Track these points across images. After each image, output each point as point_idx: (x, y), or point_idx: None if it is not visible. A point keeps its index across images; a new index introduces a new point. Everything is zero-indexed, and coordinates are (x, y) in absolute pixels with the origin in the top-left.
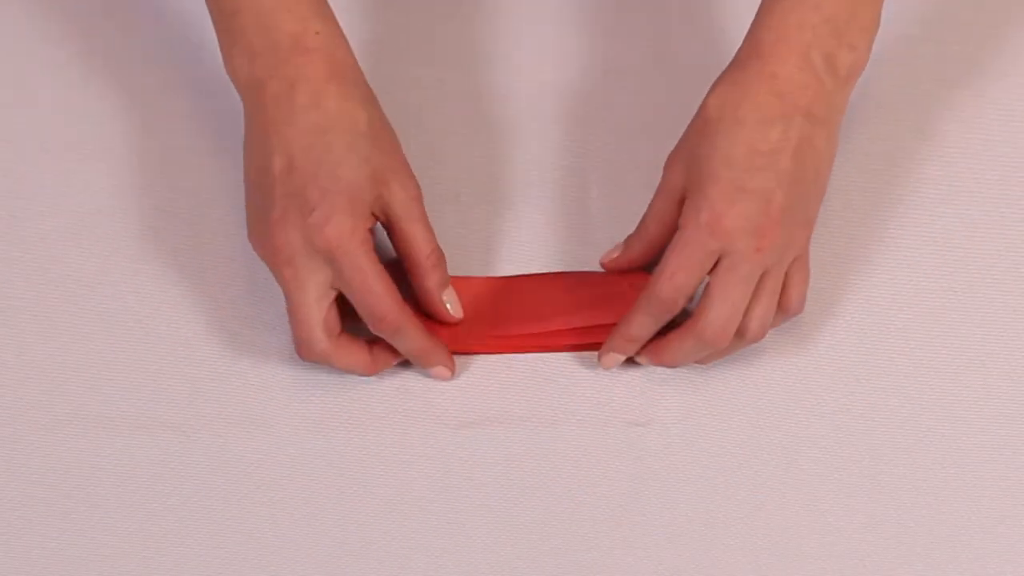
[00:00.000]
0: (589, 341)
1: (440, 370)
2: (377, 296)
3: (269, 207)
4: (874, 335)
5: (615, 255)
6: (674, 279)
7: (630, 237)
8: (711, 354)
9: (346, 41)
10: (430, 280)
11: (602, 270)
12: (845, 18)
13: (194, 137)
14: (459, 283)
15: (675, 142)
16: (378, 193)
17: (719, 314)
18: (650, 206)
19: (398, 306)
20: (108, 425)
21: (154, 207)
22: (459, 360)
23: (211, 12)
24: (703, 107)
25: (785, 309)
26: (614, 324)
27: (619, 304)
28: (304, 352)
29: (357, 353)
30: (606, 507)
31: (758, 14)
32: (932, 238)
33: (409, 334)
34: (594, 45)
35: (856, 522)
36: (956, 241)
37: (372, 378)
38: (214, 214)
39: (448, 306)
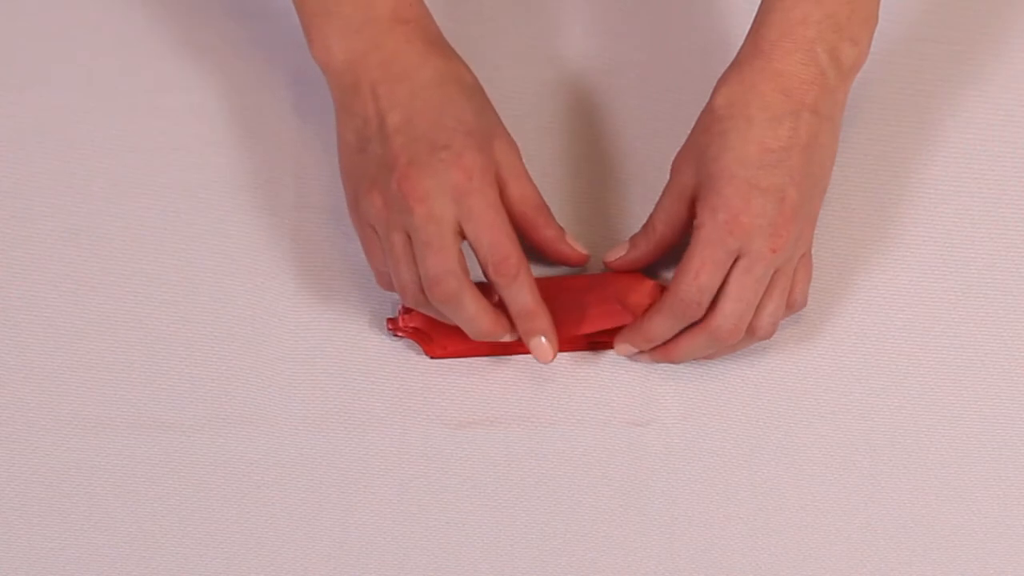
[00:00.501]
0: (595, 342)
1: (540, 344)
2: (504, 234)
3: (391, 159)
4: (874, 335)
5: (620, 254)
6: (699, 279)
7: (636, 236)
8: (719, 350)
9: (431, 12)
10: (551, 228)
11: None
12: (846, 13)
13: (194, 136)
14: None
15: (676, 141)
16: (491, 147)
17: (733, 312)
18: (658, 206)
19: (520, 252)
20: (108, 425)
21: (154, 207)
22: (459, 360)
23: None
24: (710, 106)
25: (791, 304)
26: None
27: (626, 313)
28: (435, 290)
29: (482, 300)
30: (606, 507)
31: (760, 11)
32: (932, 238)
33: (525, 285)
34: (595, 44)
35: (856, 522)
36: (956, 241)
37: (372, 378)
38: (214, 214)
39: (574, 244)
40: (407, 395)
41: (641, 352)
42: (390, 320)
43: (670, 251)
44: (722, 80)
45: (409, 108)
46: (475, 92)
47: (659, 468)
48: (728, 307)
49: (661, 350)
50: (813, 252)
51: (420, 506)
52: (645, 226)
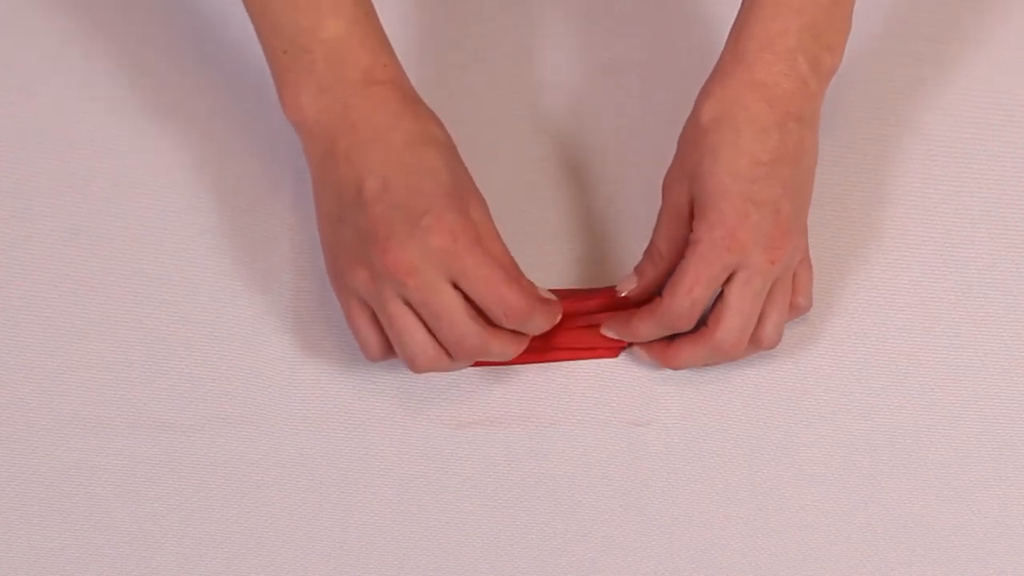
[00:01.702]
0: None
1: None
2: (502, 284)
3: (370, 229)
4: (874, 335)
5: (631, 288)
6: (692, 293)
7: (642, 265)
8: (722, 361)
9: (405, 72)
10: (518, 286)
11: (597, 283)
12: (825, 22)
13: (194, 136)
14: None
15: (675, 141)
16: (468, 204)
17: (735, 325)
18: (658, 229)
19: (524, 293)
20: (108, 425)
21: (154, 207)
22: None
23: (270, 52)
24: (696, 120)
25: (795, 308)
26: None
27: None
28: (460, 351)
29: (505, 334)
30: (606, 507)
31: (739, 20)
32: (932, 238)
33: (539, 318)
34: (594, 43)
35: (856, 522)
36: (956, 241)
37: (372, 378)
38: (214, 214)
39: (545, 296)
40: (407, 395)
41: (640, 347)
42: None
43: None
44: (705, 92)
45: (385, 173)
46: (448, 152)
47: (659, 468)
48: (730, 321)
49: (661, 356)
50: (813, 252)
51: (420, 506)
52: (649, 252)
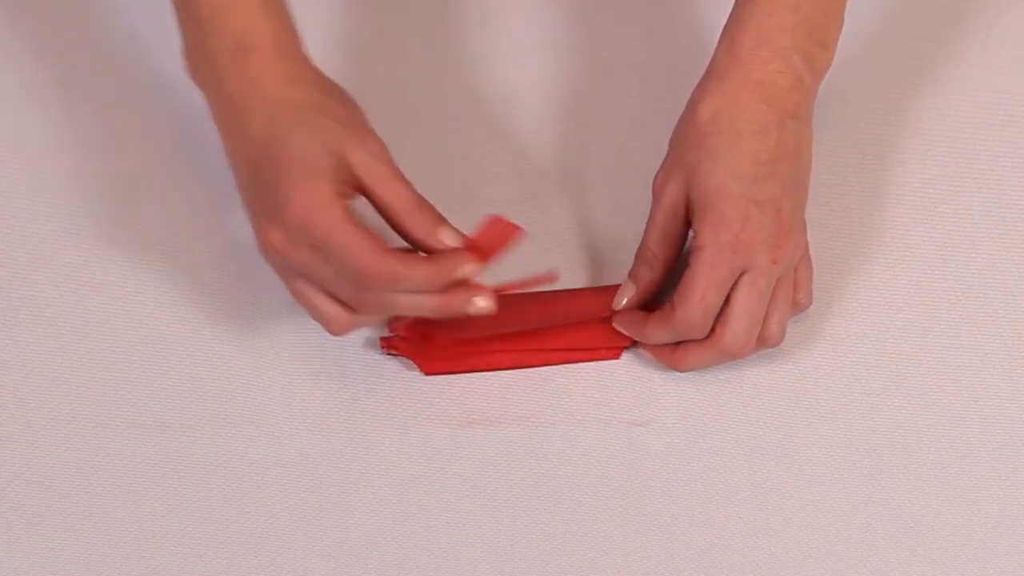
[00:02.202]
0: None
1: (471, 303)
2: (358, 252)
3: (253, 215)
4: (874, 335)
5: (629, 297)
6: (704, 301)
7: (637, 270)
8: (729, 360)
9: (293, 36)
10: (419, 223)
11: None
12: (819, 18)
13: (195, 136)
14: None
15: (665, 139)
16: (339, 158)
17: (742, 328)
18: (651, 231)
19: (382, 256)
20: (108, 425)
21: (154, 206)
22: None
23: (176, 11)
24: (693, 120)
25: (797, 305)
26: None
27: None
28: (360, 308)
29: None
30: (606, 507)
31: (733, 18)
32: (932, 238)
33: (408, 279)
34: (593, 42)
35: (856, 522)
36: (956, 241)
37: (372, 378)
38: (214, 214)
39: (446, 240)
40: (407, 395)
41: (645, 348)
42: (383, 339)
43: (672, 272)
44: (701, 92)
45: (250, 158)
46: (311, 113)
47: (659, 468)
48: (737, 324)
49: (667, 358)
50: (813, 252)
51: (420, 506)
52: (643, 255)
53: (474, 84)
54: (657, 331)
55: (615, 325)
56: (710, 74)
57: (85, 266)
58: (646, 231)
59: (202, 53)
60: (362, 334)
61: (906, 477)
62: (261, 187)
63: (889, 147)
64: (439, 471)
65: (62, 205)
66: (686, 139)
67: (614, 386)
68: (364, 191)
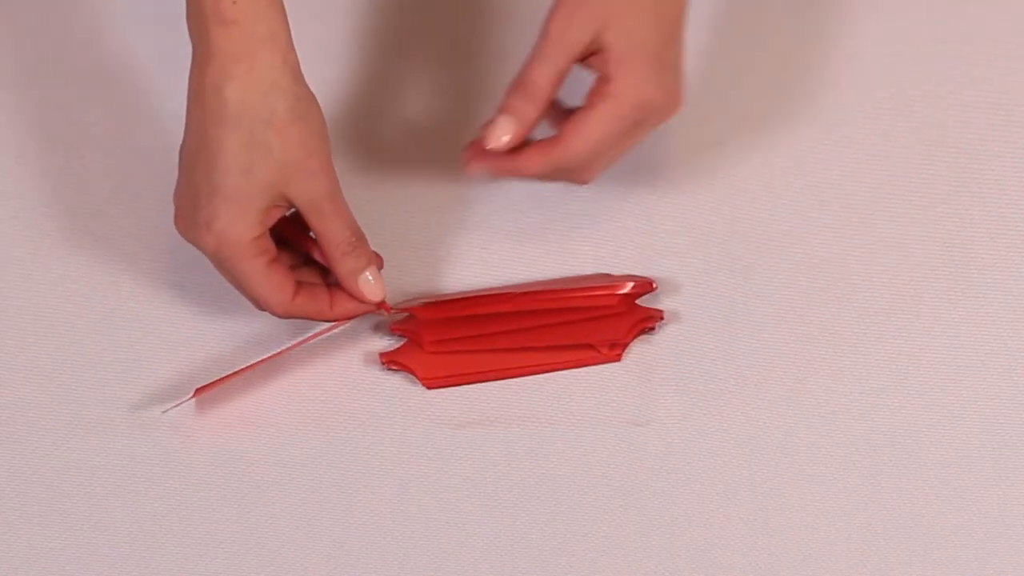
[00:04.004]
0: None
1: (368, 283)
2: (267, 299)
3: (179, 187)
4: (874, 335)
5: (508, 134)
6: (598, 145)
7: (518, 104)
8: (565, 180)
9: (278, 12)
10: (343, 267)
11: (585, 274)
12: None
13: None
14: (448, 306)
15: (671, 140)
16: (277, 193)
17: (600, 163)
18: (541, 65)
19: (290, 305)
20: (108, 425)
21: (154, 206)
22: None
23: None
24: None
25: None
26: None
27: (611, 325)
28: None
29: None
30: (606, 507)
31: None
32: (932, 238)
33: (301, 313)
34: None
35: (856, 522)
36: (956, 241)
37: (372, 378)
38: None
39: (364, 290)
40: (407, 395)
41: (479, 159)
42: (383, 354)
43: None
44: None
45: (192, 144)
46: (266, 131)
47: (659, 468)
48: (597, 161)
49: (510, 163)
50: (813, 253)
51: (420, 506)
52: (527, 90)
53: (470, 82)
54: (534, 161)
55: (472, 168)
56: None
57: (85, 266)
58: (533, 66)
59: (189, 10)
60: (361, 346)
61: (906, 477)
62: (191, 181)
63: (889, 147)
64: (439, 471)
65: (62, 205)
66: None
67: (614, 386)
68: (304, 218)
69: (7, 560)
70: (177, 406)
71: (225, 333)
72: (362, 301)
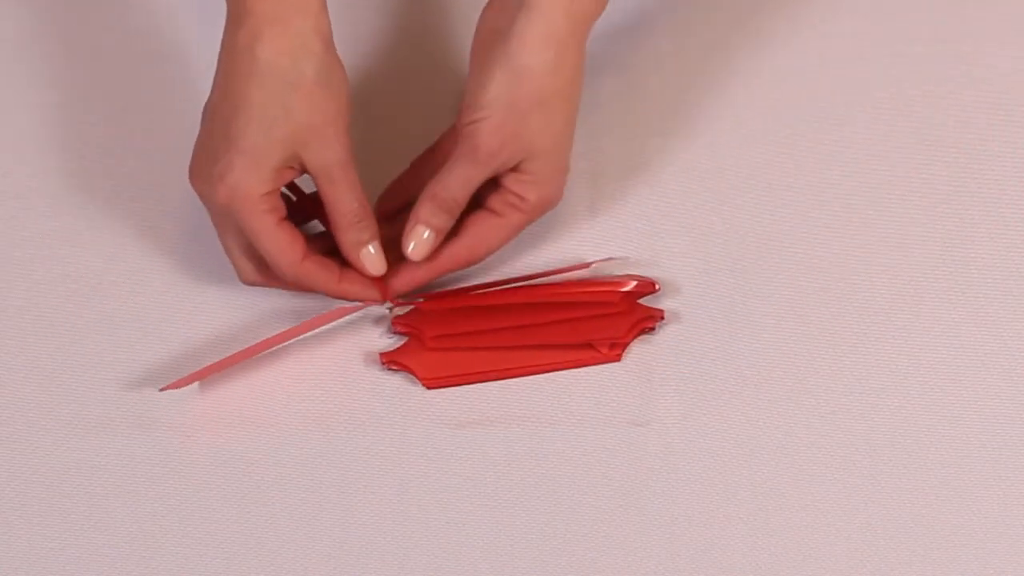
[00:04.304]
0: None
1: (369, 255)
2: (277, 255)
3: (197, 142)
4: (874, 335)
5: (427, 248)
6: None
7: (437, 219)
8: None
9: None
10: (347, 237)
11: (588, 274)
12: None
13: (195, 136)
14: (446, 299)
15: (667, 139)
16: (292, 153)
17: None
18: (460, 180)
19: (299, 264)
20: (108, 425)
21: (154, 207)
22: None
23: None
24: (528, 77)
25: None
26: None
27: (611, 324)
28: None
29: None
30: (606, 507)
31: None
32: (932, 238)
33: (316, 288)
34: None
35: (856, 522)
36: (956, 241)
37: (372, 378)
38: None
39: (366, 262)
40: (407, 395)
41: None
42: (383, 354)
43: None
44: (538, 51)
45: (218, 97)
46: (290, 92)
47: (659, 468)
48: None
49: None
50: (813, 253)
51: (420, 506)
52: (445, 204)
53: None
54: (444, 267)
55: (398, 287)
56: (549, 38)
57: (85, 266)
58: (453, 178)
59: None
60: (361, 345)
61: (906, 477)
62: (212, 133)
63: (890, 147)
64: (439, 471)
65: (62, 205)
66: (520, 100)
67: (614, 386)
68: (314, 182)
69: (7, 560)
70: (175, 386)
71: (225, 334)
72: (363, 274)
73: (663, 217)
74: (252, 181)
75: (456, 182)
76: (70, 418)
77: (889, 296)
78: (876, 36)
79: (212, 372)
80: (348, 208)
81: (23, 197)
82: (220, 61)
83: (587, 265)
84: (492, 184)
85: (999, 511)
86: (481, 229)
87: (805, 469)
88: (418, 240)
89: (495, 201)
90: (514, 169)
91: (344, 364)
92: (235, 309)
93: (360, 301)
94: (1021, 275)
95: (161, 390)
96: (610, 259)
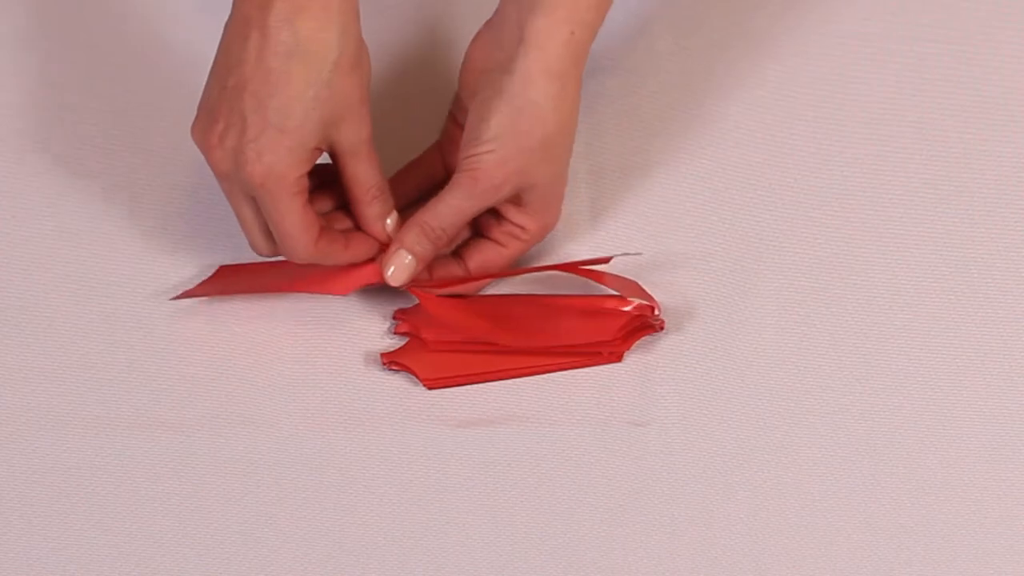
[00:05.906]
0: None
1: (402, 264)
2: (296, 234)
3: (216, 113)
4: (874, 335)
5: (412, 273)
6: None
7: (420, 248)
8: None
9: None
10: (371, 211)
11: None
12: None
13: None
14: (445, 302)
15: (667, 139)
16: (326, 134)
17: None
18: (454, 215)
19: (316, 244)
20: (107, 425)
21: (155, 207)
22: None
23: None
24: (532, 113)
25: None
26: (604, 345)
27: (608, 321)
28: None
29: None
30: (606, 507)
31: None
32: (932, 238)
33: (323, 260)
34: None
35: (856, 522)
36: (956, 241)
37: (372, 378)
38: (215, 213)
39: (390, 229)
40: (407, 395)
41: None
42: (384, 354)
43: None
44: (544, 88)
45: (248, 74)
46: (329, 71)
47: (659, 468)
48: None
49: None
50: (813, 253)
51: (420, 506)
52: (432, 234)
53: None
54: (445, 284)
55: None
56: (550, 73)
57: (85, 266)
58: (445, 208)
59: None
60: (362, 345)
61: (906, 477)
62: (240, 109)
63: (890, 147)
64: (439, 471)
65: (62, 205)
66: (525, 136)
67: (614, 386)
68: (335, 160)
69: (7, 560)
70: (186, 295)
71: (227, 334)
72: (381, 241)
73: (663, 217)
74: (291, 162)
75: (448, 212)
76: (70, 418)
77: (889, 296)
78: (876, 36)
79: (225, 289)
80: (372, 182)
81: (23, 197)
82: (245, 37)
83: (607, 259)
84: (490, 213)
85: (999, 511)
86: (485, 257)
87: (805, 469)
88: (398, 264)
89: (496, 232)
90: (514, 201)
91: (344, 364)
92: (238, 307)
93: (370, 260)
94: (1021, 275)
95: (172, 299)
96: (631, 254)
